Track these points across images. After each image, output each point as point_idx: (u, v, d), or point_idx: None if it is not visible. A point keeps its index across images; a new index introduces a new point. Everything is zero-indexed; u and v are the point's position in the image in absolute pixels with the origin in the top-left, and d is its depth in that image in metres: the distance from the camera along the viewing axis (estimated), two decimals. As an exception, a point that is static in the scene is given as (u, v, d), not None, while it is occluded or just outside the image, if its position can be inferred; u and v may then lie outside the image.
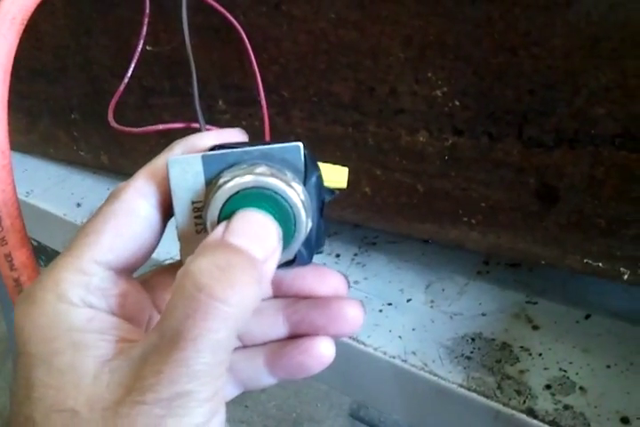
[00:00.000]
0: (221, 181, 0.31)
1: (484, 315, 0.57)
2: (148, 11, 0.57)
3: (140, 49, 0.58)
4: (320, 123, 0.55)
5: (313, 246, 0.34)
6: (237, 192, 0.30)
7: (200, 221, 0.33)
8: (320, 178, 0.34)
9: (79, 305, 0.29)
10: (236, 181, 0.30)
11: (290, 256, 0.33)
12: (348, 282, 0.37)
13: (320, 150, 0.57)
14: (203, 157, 0.31)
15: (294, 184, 0.31)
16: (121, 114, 0.69)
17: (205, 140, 0.34)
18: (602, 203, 0.45)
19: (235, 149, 0.32)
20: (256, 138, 0.53)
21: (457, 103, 0.47)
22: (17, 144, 0.91)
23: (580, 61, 0.40)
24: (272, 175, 0.31)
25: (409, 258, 0.66)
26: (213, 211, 0.31)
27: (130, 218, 0.31)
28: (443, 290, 0.61)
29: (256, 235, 0.29)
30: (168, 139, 0.68)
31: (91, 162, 0.82)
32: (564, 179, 0.45)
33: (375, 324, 0.57)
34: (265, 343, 0.37)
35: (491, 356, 0.52)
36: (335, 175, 0.36)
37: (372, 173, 0.55)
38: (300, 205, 0.31)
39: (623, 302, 0.56)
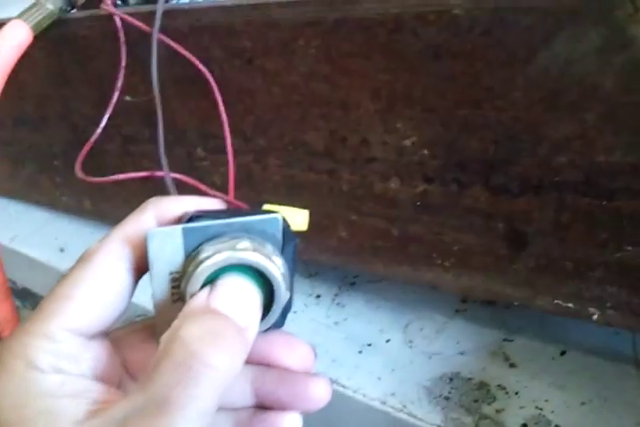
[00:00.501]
0: (203, 255, 0.30)
1: (462, 354, 0.58)
2: (124, 64, 0.59)
3: (114, 100, 0.60)
4: (296, 170, 0.57)
5: (286, 310, 0.34)
6: (220, 268, 0.30)
7: (177, 291, 0.32)
8: (295, 245, 0.34)
9: (49, 372, 0.29)
10: (218, 258, 0.30)
11: (267, 326, 0.33)
12: (315, 353, 0.37)
13: (297, 196, 0.58)
14: (183, 229, 0.31)
15: (275, 258, 0.31)
16: (103, 161, 0.71)
17: (179, 205, 0.33)
18: (568, 247, 0.46)
19: (215, 221, 0.31)
20: (237, 185, 0.55)
21: (426, 152, 0.48)
22: (1, 189, 0.92)
23: (541, 114, 0.42)
24: (254, 250, 0.30)
25: (388, 297, 0.67)
26: (194, 285, 0.30)
27: (102, 284, 0.31)
28: (421, 329, 0.62)
29: (240, 302, 0.30)
30: (147, 185, 0.70)
31: (73, 207, 0.83)
32: (531, 224, 0.47)
33: (355, 366, 0.58)
34: (233, 410, 0.36)
35: (468, 395, 0.53)
36: (297, 219, 0.37)
37: (347, 218, 0.57)
38: (280, 279, 0.31)
39: (598, 338, 0.57)
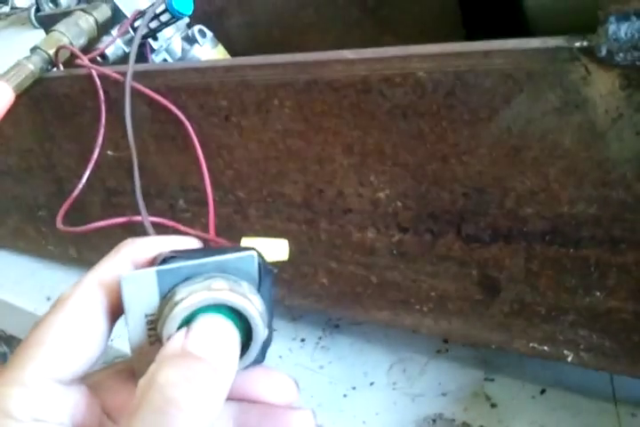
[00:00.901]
0: (178, 297, 0.30)
1: (444, 395, 0.59)
2: (103, 120, 0.61)
3: (95, 156, 0.61)
4: (275, 220, 0.58)
5: (266, 346, 0.34)
6: (196, 309, 0.30)
7: (153, 333, 0.31)
8: (272, 279, 0.33)
9: (26, 421, 0.28)
10: (193, 299, 0.30)
11: (247, 363, 0.33)
12: (298, 387, 0.36)
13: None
14: (157, 271, 0.30)
15: (251, 296, 0.31)
16: (88, 212, 0.72)
17: (154, 246, 0.33)
18: (540, 292, 0.48)
19: (189, 262, 0.31)
20: (219, 234, 0.56)
21: (399, 204, 0.50)
22: (-14, 239, 0.93)
23: (506, 168, 0.44)
24: (230, 290, 0.30)
25: (372, 339, 0.68)
26: (170, 328, 0.30)
27: (74, 328, 0.31)
28: (404, 371, 0.63)
29: (216, 343, 0.29)
30: (131, 233, 0.71)
31: (59, 256, 0.84)
32: (503, 271, 0.48)
33: (340, 410, 0.59)
34: None
35: (452, 438, 0.55)
36: (276, 249, 0.37)
37: (327, 266, 0.58)
38: (258, 317, 0.31)
39: (576, 376, 0.59)
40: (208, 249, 0.35)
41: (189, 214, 0.64)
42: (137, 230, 0.71)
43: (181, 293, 0.30)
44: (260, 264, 0.33)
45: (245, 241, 0.39)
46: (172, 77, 0.55)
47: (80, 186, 0.63)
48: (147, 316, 0.32)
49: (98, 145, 0.62)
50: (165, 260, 0.32)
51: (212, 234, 0.55)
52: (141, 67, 0.58)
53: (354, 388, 0.62)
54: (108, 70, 0.59)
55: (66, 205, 0.62)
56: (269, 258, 0.35)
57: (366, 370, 0.64)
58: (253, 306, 0.31)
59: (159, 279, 0.31)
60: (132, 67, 0.57)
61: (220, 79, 0.52)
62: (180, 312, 0.30)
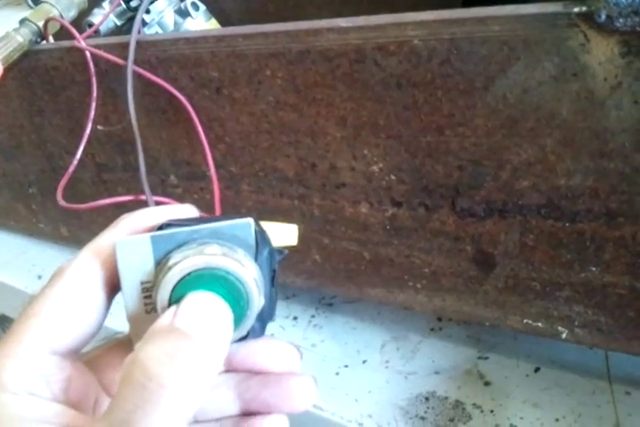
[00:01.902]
0: (171, 262, 0.29)
1: (437, 373, 0.59)
2: (95, 94, 0.60)
3: (89, 131, 0.60)
4: (268, 196, 0.58)
5: (265, 319, 0.33)
6: (188, 274, 0.29)
7: (150, 301, 0.31)
8: (272, 251, 0.33)
9: (21, 394, 0.28)
10: (185, 263, 0.29)
11: (242, 333, 0.32)
12: (300, 353, 0.36)
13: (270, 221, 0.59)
14: (151, 237, 0.30)
15: (246, 262, 0.30)
16: (78, 189, 0.71)
17: (152, 216, 0.33)
18: (535, 267, 0.47)
19: (183, 228, 0.30)
20: (210, 211, 0.55)
21: (393, 178, 0.49)
22: (-23, 217, 0.92)
23: (502, 139, 0.43)
24: (223, 255, 0.30)
25: (365, 317, 0.67)
26: (164, 293, 0.30)
27: (71, 299, 0.30)
28: (397, 349, 0.63)
29: (205, 319, 0.28)
30: (123, 210, 0.70)
31: (50, 234, 0.83)
32: (497, 246, 0.48)
33: (332, 387, 0.59)
34: (217, 419, 0.35)
35: (444, 415, 0.54)
36: (285, 234, 0.37)
37: (320, 242, 0.57)
38: (252, 283, 0.30)
39: (571, 353, 0.58)
40: (206, 218, 0.34)
41: (180, 190, 0.63)
42: (130, 208, 0.70)
43: (174, 258, 0.30)
44: (256, 232, 0.32)
45: None
46: (162, 48, 0.54)
47: (75, 162, 0.62)
48: (142, 283, 0.31)
49: (90, 119, 0.61)
50: (161, 227, 0.32)
51: (217, 212, 0.54)
52: (125, 38, 0.56)
53: (346, 366, 0.61)
54: (105, 53, 0.58)
55: (64, 181, 0.61)
56: (279, 242, 0.34)
57: (359, 348, 0.63)
58: (247, 271, 0.30)
59: (154, 245, 0.30)
60: (132, 54, 0.55)
61: (211, 50, 0.51)
62: (172, 277, 0.29)
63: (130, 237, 0.31)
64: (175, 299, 0.29)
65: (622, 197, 0.41)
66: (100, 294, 0.31)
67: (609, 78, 0.38)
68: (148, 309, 0.31)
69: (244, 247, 0.31)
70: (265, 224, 0.36)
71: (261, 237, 0.32)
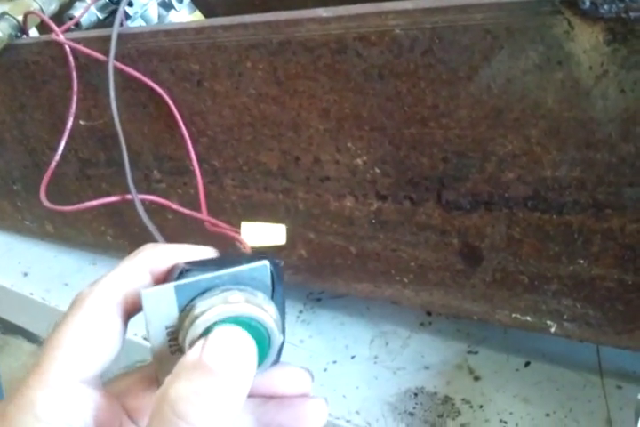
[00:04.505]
0: (197, 311, 0.31)
1: (426, 368, 0.58)
2: (75, 88, 0.59)
3: (70, 125, 0.59)
4: (252, 190, 0.57)
5: (281, 348, 0.34)
6: (214, 322, 0.31)
7: (174, 344, 0.33)
8: (283, 286, 0.34)
9: (55, 424, 0.29)
10: (212, 312, 0.30)
11: (265, 368, 0.33)
12: (312, 376, 0.37)
13: (254, 216, 0.58)
14: (175, 287, 0.31)
15: (266, 306, 0.31)
16: (63, 184, 0.70)
17: (171, 255, 0.34)
18: (522, 261, 0.46)
19: (205, 275, 0.32)
20: (194, 206, 0.54)
21: (377, 171, 0.48)
22: (-38, 215, 0.91)
23: (487, 131, 0.42)
24: (246, 301, 0.31)
25: (354, 313, 0.67)
26: (191, 339, 0.31)
27: (93, 329, 0.31)
28: (386, 344, 0.62)
29: (232, 354, 0.29)
30: (108, 207, 0.69)
31: (36, 231, 0.83)
32: (484, 239, 0.47)
33: (320, 384, 0.58)
34: None
35: (433, 411, 0.53)
36: (274, 234, 0.37)
37: (306, 237, 0.56)
38: (274, 326, 0.31)
39: (561, 347, 0.57)
40: (223, 258, 0.35)
41: (164, 185, 0.62)
42: (114, 206, 0.69)
43: (200, 306, 0.31)
44: (272, 272, 0.33)
45: (245, 225, 0.39)
46: (141, 41, 0.53)
47: (57, 157, 0.61)
48: (167, 328, 0.32)
49: (71, 114, 0.60)
50: (182, 273, 0.33)
51: (204, 213, 0.53)
52: (106, 31, 0.55)
53: (334, 362, 0.61)
54: (84, 47, 0.57)
55: (46, 179, 0.60)
56: (267, 242, 0.36)
57: (347, 344, 0.63)
58: (269, 315, 0.31)
59: (177, 294, 0.31)
60: (114, 47, 0.54)
61: (191, 42, 0.50)
62: (200, 325, 0.30)
63: (155, 288, 0.32)
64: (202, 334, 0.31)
65: (609, 189, 0.40)
66: (119, 321, 0.33)
67: (594, 67, 0.37)
68: (172, 350, 0.33)
69: (262, 288, 0.33)
70: (254, 224, 0.37)
71: (277, 275, 0.33)
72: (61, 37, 0.58)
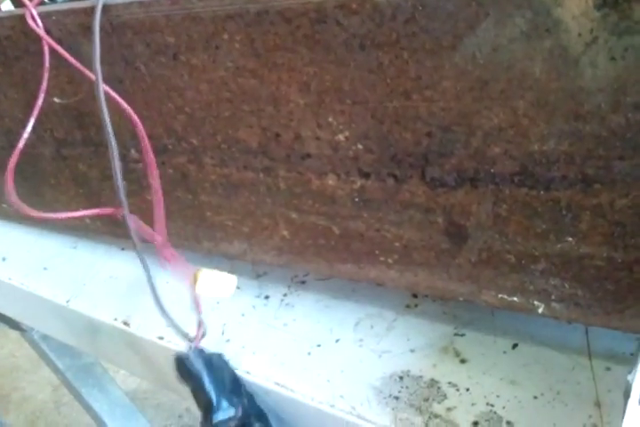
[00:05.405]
0: None
1: (412, 351, 0.57)
2: (47, 65, 0.57)
3: (40, 103, 0.57)
4: (232, 169, 0.55)
5: None
6: None
7: None
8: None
9: None
10: None
11: None
12: None
13: (235, 196, 0.56)
14: None
15: None
16: (39, 167, 0.68)
17: None
18: (509, 239, 0.45)
19: None
20: (171, 184, 0.53)
21: (360, 147, 0.47)
22: (-62, 198, 0.89)
23: (472, 103, 0.41)
24: None
25: (339, 295, 0.65)
26: None
27: None
28: (371, 327, 0.60)
29: None
30: (85, 189, 0.67)
31: (14, 214, 0.81)
32: (470, 217, 0.45)
33: (304, 368, 0.56)
34: None
35: (418, 394, 0.52)
36: (224, 284, 0.37)
37: (288, 217, 0.55)
38: None
39: (550, 329, 0.56)
40: None
41: (142, 164, 0.60)
42: (92, 185, 0.67)
43: None
44: None
45: (203, 274, 0.38)
46: (115, 13, 0.51)
47: (25, 135, 0.59)
48: None
49: (43, 91, 0.58)
50: None
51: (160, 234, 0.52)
52: (83, 4, 0.53)
53: (319, 345, 0.59)
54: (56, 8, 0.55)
55: (12, 163, 0.59)
56: (217, 293, 0.35)
57: (332, 327, 0.61)
58: None
59: None
60: (98, 17, 0.52)
61: (166, 13, 0.48)
62: None
63: None
64: None
65: (599, 163, 0.39)
66: None
67: (583, 33, 0.35)
68: None
69: None
70: (210, 273, 0.37)
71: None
72: (33, 11, 0.56)
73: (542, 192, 0.42)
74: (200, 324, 0.52)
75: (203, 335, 0.54)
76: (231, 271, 0.61)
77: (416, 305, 0.62)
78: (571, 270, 0.44)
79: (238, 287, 0.54)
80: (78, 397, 1.34)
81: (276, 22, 0.44)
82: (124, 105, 0.52)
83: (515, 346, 0.56)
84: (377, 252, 0.52)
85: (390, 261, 0.51)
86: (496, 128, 0.41)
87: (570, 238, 0.42)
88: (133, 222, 0.53)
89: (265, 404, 0.55)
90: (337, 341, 0.59)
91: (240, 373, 0.57)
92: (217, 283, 0.35)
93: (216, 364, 0.52)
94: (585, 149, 0.39)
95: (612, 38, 0.34)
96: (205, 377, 0.47)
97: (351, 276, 0.55)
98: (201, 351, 0.52)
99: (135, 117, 0.52)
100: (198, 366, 0.47)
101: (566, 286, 0.44)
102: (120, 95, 0.56)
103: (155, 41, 0.50)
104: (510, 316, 0.58)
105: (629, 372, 0.39)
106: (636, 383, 0.38)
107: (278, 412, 0.55)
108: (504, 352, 0.55)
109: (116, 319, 0.68)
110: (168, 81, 0.52)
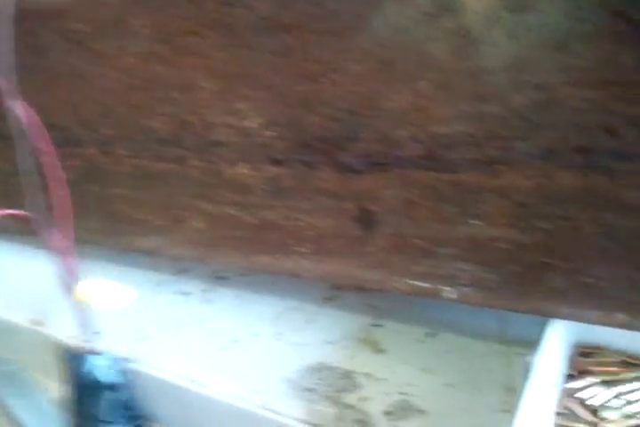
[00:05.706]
0: None
1: (330, 343, 0.56)
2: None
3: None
4: (144, 160, 0.54)
5: None
6: None
7: None
8: None
9: None
10: None
11: None
12: None
13: (148, 188, 0.55)
14: None
15: None
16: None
17: None
18: (418, 224, 0.45)
19: None
20: (84, 177, 0.51)
21: (270, 133, 0.46)
22: None
23: (377, 85, 0.41)
24: None
25: (260, 289, 0.64)
26: None
27: None
28: (291, 320, 0.60)
29: None
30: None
31: None
32: (380, 203, 0.45)
33: (219, 364, 0.55)
34: None
35: (333, 386, 0.51)
36: (120, 296, 0.36)
37: (202, 209, 0.54)
38: None
39: (466, 317, 0.56)
40: None
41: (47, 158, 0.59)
42: (9, 181, 0.65)
43: None
44: None
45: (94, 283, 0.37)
46: (20, -1, 0.50)
47: None
48: None
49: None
50: None
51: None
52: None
53: (236, 340, 0.58)
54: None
55: None
56: (100, 303, 0.36)
57: (250, 321, 0.60)
58: None
59: None
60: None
61: (72, -3, 0.47)
62: None
63: None
64: None
65: (501, 144, 0.39)
66: None
67: (485, 12, 0.35)
68: None
69: None
70: (101, 283, 0.36)
71: None
72: None
73: (448, 175, 0.42)
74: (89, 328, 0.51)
75: (95, 338, 0.53)
76: (151, 268, 0.60)
77: (336, 297, 0.62)
78: (478, 254, 0.44)
79: (163, 285, 0.53)
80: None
81: (181, 5, 0.43)
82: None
83: (432, 335, 0.56)
84: (291, 242, 0.51)
85: (304, 250, 0.51)
86: (401, 111, 0.41)
87: (476, 221, 0.43)
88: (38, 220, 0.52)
89: (176, 402, 0.54)
90: (255, 335, 0.59)
91: (154, 371, 0.55)
92: (104, 294, 0.34)
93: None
94: (487, 131, 0.39)
95: (512, 16, 0.35)
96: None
97: (267, 267, 0.55)
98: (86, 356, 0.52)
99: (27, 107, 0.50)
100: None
101: (475, 269, 0.45)
102: (29, 86, 0.55)
103: (62, 28, 0.49)
104: (428, 305, 0.58)
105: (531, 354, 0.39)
106: (535, 365, 0.39)
107: (194, 409, 0.54)
108: (421, 341, 0.55)
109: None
110: (75, 69, 0.51)
